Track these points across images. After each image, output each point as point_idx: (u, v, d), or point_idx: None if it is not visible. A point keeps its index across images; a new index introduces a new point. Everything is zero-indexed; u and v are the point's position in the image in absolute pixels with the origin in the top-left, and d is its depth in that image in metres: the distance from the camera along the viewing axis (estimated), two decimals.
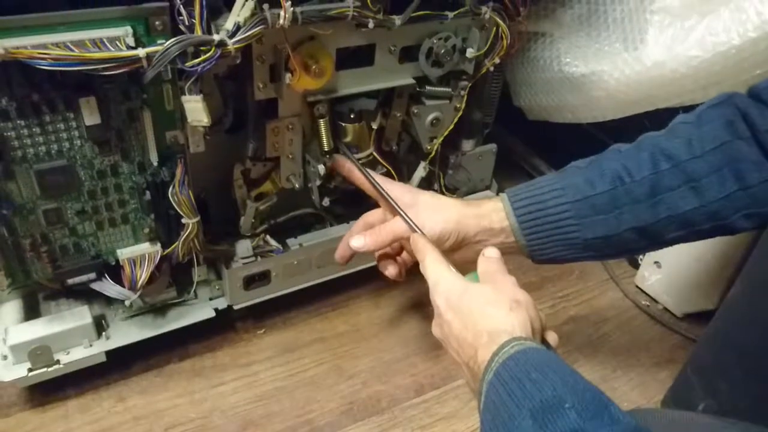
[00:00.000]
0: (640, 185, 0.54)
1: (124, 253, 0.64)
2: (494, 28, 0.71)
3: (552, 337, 0.50)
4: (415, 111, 0.75)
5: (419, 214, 0.60)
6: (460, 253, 0.61)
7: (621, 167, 0.56)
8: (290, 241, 0.77)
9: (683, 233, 0.55)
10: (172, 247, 0.65)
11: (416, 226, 0.59)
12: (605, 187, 0.55)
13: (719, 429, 0.49)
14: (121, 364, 0.73)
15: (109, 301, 0.71)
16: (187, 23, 0.51)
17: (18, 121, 0.53)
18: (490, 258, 0.55)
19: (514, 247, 0.60)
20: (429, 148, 0.79)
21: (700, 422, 0.52)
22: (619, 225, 0.55)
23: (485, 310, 0.48)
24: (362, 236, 0.62)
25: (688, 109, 0.74)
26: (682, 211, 0.53)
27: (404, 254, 0.68)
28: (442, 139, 0.79)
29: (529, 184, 0.60)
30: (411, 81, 0.72)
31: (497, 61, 0.75)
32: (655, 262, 0.89)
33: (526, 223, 0.58)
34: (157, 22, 0.51)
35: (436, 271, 0.54)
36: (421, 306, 0.87)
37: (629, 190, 0.55)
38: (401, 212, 0.61)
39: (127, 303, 0.67)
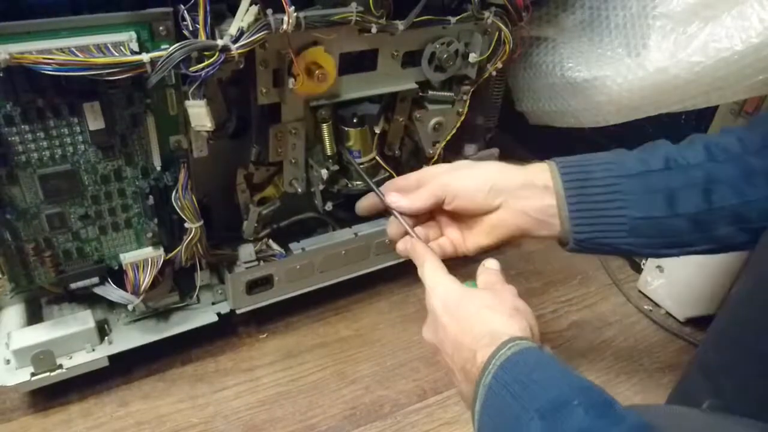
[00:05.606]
0: (696, 169, 0.52)
1: (127, 258, 0.64)
2: (497, 33, 0.71)
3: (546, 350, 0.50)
4: (418, 116, 0.75)
5: (457, 170, 0.57)
6: (499, 214, 0.56)
7: (676, 152, 0.53)
8: (293, 246, 0.77)
9: (734, 229, 0.52)
10: (175, 251, 0.65)
11: (413, 231, 0.59)
12: (659, 166, 0.53)
13: (726, 426, 0.49)
14: (124, 368, 0.73)
15: (112, 305, 0.71)
16: (190, 28, 0.51)
17: (22, 126, 0.53)
18: (490, 269, 0.55)
19: (553, 216, 0.55)
20: (432, 152, 0.79)
21: (706, 419, 0.52)
22: (671, 207, 0.52)
23: (485, 314, 0.48)
24: (400, 195, 0.58)
25: (690, 114, 0.75)
26: (738, 202, 0.51)
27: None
28: (444, 143, 0.79)
29: (577, 157, 0.56)
30: (414, 86, 0.72)
31: (500, 65, 0.74)
32: (658, 267, 0.89)
33: (572, 191, 0.53)
34: (160, 28, 0.52)
35: (435, 276, 0.54)
36: (423, 311, 0.86)
37: (685, 172, 0.52)
38: (397, 215, 0.60)
39: (129, 307, 0.67)
